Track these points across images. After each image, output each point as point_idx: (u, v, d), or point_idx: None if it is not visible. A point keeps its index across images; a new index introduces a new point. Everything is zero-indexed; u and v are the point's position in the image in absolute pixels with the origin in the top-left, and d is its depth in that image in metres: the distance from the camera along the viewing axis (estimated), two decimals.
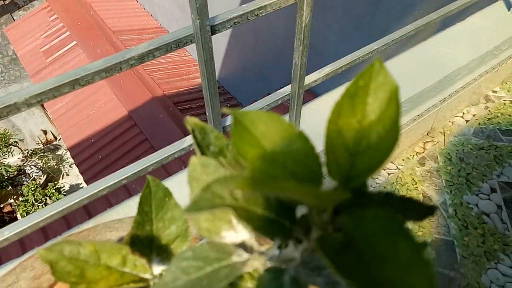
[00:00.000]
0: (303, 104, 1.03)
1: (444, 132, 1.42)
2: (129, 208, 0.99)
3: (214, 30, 0.65)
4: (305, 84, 0.93)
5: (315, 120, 1.15)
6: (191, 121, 0.23)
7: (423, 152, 1.37)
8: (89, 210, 3.71)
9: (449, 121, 1.45)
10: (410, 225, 1.17)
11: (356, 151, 0.14)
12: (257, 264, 0.18)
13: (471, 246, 1.14)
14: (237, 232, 0.20)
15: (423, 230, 1.18)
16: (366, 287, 0.12)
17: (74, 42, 5.21)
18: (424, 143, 1.40)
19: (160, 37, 0.64)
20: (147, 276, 0.29)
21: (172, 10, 5.19)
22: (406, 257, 0.12)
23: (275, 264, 0.17)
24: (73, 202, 0.76)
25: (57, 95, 0.58)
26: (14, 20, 5.86)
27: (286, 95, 0.93)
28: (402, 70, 1.25)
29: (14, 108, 0.55)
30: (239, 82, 4.62)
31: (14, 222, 0.74)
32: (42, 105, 7.22)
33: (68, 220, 3.70)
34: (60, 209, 0.76)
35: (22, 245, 3.51)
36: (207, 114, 0.82)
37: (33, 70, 5.23)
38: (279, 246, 0.17)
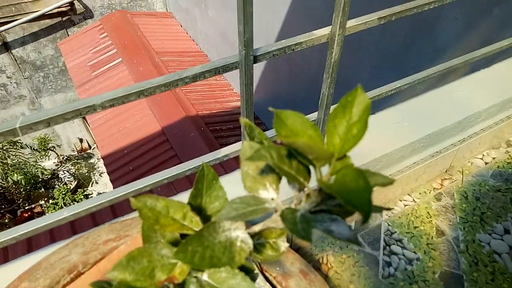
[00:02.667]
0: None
1: (462, 171, 1.47)
2: None
3: (256, 59, 0.78)
4: (330, 112, 1.04)
5: None
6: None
7: (440, 188, 1.43)
8: (115, 209, 3.97)
9: (469, 161, 1.51)
10: (420, 255, 1.23)
11: (345, 138, 0.25)
12: (279, 207, 0.28)
13: (479, 282, 1.17)
14: (268, 192, 0.31)
15: (434, 261, 1.22)
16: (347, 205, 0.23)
17: (120, 59, 5.58)
18: (442, 179, 1.46)
19: (210, 62, 0.78)
20: (198, 229, 0.40)
21: (213, 37, 5.49)
22: (360, 191, 0.22)
23: (291, 207, 0.28)
24: (117, 195, 0.89)
25: (125, 101, 0.71)
26: (68, 35, 6.35)
27: (312, 120, 1.04)
28: (424, 107, 1.34)
29: (91, 109, 0.69)
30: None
31: (72, 205, 0.87)
32: (84, 117, 7.64)
33: (114, 209, 3.97)
34: (108, 199, 0.89)
35: (73, 227, 3.84)
36: (242, 130, 0.94)
37: (79, 82, 5.61)
38: (297, 193, 0.27)
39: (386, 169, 1.24)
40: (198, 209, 0.43)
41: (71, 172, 7.55)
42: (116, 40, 5.82)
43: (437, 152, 1.33)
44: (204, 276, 0.44)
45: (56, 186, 7.23)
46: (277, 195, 0.31)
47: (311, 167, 0.28)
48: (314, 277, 0.84)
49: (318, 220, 0.29)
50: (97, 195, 6.90)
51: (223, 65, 0.77)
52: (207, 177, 0.44)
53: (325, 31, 0.85)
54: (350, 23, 0.86)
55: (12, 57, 6.15)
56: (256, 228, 0.35)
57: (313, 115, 1.04)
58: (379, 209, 0.30)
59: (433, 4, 0.96)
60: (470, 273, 1.20)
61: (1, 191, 6.51)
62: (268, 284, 0.81)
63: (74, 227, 3.93)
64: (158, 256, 0.40)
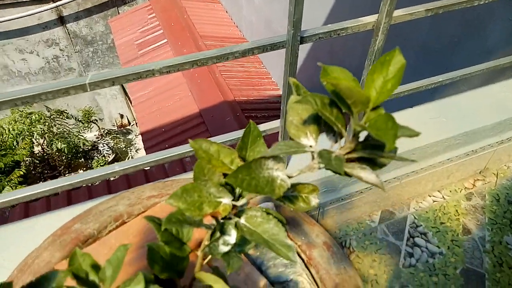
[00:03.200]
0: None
1: (497, 174, 1.46)
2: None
3: (303, 40, 0.83)
4: None
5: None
6: (291, 79, 0.40)
7: (472, 188, 1.43)
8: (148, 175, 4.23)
9: (505, 165, 1.49)
10: (444, 250, 1.24)
11: (380, 91, 0.30)
12: (316, 152, 0.34)
13: (502, 282, 1.18)
14: (308, 140, 0.37)
15: (456, 257, 1.24)
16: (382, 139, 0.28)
17: (165, 40, 5.75)
18: (474, 180, 1.45)
19: (259, 39, 0.83)
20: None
21: (257, 24, 5.53)
22: (388, 129, 0.27)
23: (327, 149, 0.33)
24: (154, 159, 0.97)
25: (180, 69, 0.79)
26: (118, 13, 6.60)
27: None
28: (464, 105, 1.34)
29: (150, 73, 0.77)
30: None
31: (122, 162, 0.96)
32: (126, 92, 7.95)
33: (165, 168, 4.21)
34: (148, 161, 0.98)
35: (128, 181, 4.14)
36: (281, 108, 1.00)
37: (126, 59, 5.84)
38: (333, 137, 0.33)
39: (419, 162, 1.26)
40: (242, 160, 0.49)
41: (110, 146, 7.91)
42: (163, 21, 5.99)
43: (472, 151, 1.33)
44: (242, 220, 0.50)
45: (95, 157, 7.61)
46: (316, 143, 0.37)
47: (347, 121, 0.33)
48: (336, 250, 0.89)
49: (350, 166, 0.35)
50: None
51: (271, 43, 0.83)
52: (253, 133, 0.50)
53: (371, 18, 0.88)
54: (397, 12, 0.88)
55: (66, 31, 6.48)
56: (294, 173, 0.40)
57: None
58: (401, 159, 0.34)
59: (483, 0, 0.96)
60: (493, 273, 1.20)
61: (46, 157, 6.93)
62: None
63: (109, 187, 4.17)
64: (206, 193, 0.46)
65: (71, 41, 6.66)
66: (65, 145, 6.53)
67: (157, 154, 0.95)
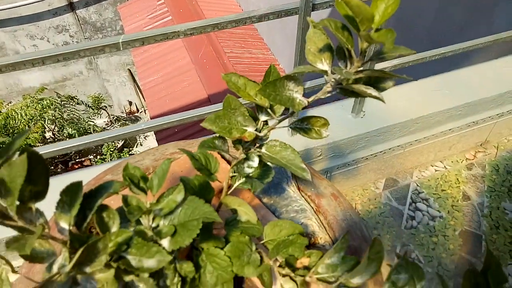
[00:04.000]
0: None
1: (498, 147, 1.53)
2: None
3: (314, 7, 0.90)
4: (374, 68, 1.14)
5: (378, 105, 1.33)
6: (308, 19, 0.47)
7: (473, 159, 1.50)
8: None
9: (505, 139, 1.56)
10: (444, 214, 1.32)
11: (383, 14, 0.37)
12: (330, 76, 0.42)
13: (498, 243, 1.26)
14: (323, 65, 0.44)
15: (456, 221, 1.31)
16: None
17: None
18: (475, 152, 1.52)
19: (274, 5, 0.91)
20: (265, 104, 0.54)
21: None
22: (388, 37, 0.35)
23: (338, 79, 0.41)
24: (177, 119, 1.05)
25: (203, 32, 0.86)
26: (127, 0, 6.66)
27: None
28: (466, 78, 1.40)
29: (176, 35, 0.85)
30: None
31: (149, 121, 1.05)
32: (134, 80, 8.05)
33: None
34: (171, 120, 1.06)
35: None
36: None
37: None
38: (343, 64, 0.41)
39: (421, 131, 1.33)
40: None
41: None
42: (172, 8, 6.05)
43: (473, 122, 1.39)
44: (263, 149, 0.58)
45: (105, 143, 7.73)
46: (329, 68, 0.45)
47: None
48: (343, 200, 0.97)
49: (356, 86, 0.43)
50: None
51: (285, 10, 0.90)
52: (273, 74, 0.58)
53: None
54: None
55: (76, 17, 6.57)
56: (310, 98, 0.48)
57: None
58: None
59: None
60: (490, 235, 1.28)
61: (56, 142, 7.08)
62: (303, 199, 0.96)
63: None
64: (234, 120, 0.55)
65: (81, 27, 6.75)
66: (75, 130, 6.66)
67: (181, 114, 1.03)
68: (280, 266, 0.64)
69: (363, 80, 0.45)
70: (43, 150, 0.94)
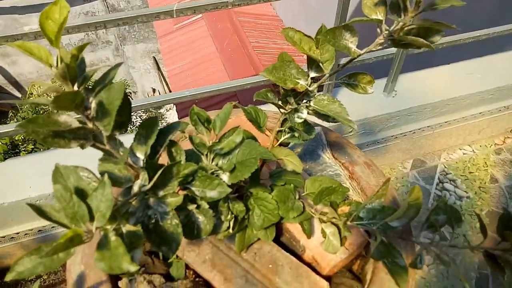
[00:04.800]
0: (401, 73, 1.27)
1: None
2: None
3: None
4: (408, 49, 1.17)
5: (410, 85, 1.36)
6: None
7: (502, 145, 1.51)
8: None
9: None
10: (471, 194, 1.34)
11: None
12: (383, 26, 0.47)
13: None
14: (377, 16, 0.49)
15: (483, 201, 1.34)
16: None
17: (200, 15, 5.89)
18: (505, 137, 1.53)
19: None
20: (318, 58, 0.59)
21: (291, 2, 5.57)
22: None
23: (390, 31, 0.46)
24: (218, 88, 1.11)
25: (249, 3, 0.91)
26: None
27: (391, 53, 1.18)
28: (500, 64, 1.41)
29: (224, 5, 0.91)
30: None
31: (192, 89, 1.11)
32: (159, 68, 8.19)
33: None
34: (213, 89, 1.12)
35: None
36: None
37: (162, 33, 6.03)
38: None
39: (452, 113, 1.36)
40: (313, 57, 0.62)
41: (142, 118, 8.21)
42: None
43: (504, 107, 1.40)
44: (312, 103, 0.64)
45: (129, 128, 7.94)
46: (383, 19, 0.49)
47: None
48: (375, 168, 1.02)
49: (407, 34, 0.47)
50: None
51: None
52: (323, 33, 0.63)
53: None
54: None
55: (105, 4, 6.72)
56: (363, 50, 0.53)
57: (392, 49, 1.18)
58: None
59: None
60: None
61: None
62: (338, 165, 1.00)
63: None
64: (289, 72, 0.60)
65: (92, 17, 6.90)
66: None
67: (221, 85, 1.09)
68: (321, 214, 0.69)
69: (412, 33, 0.50)
70: None
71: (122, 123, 0.50)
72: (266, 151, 0.58)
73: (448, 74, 1.37)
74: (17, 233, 1.10)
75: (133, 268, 0.41)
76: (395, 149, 1.38)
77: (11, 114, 6.33)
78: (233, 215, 0.63)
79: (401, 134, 1.33)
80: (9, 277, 0.40)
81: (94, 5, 6.68)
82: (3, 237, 1.10)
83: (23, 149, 5.14)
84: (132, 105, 1.05)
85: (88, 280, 0.73)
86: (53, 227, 1.14)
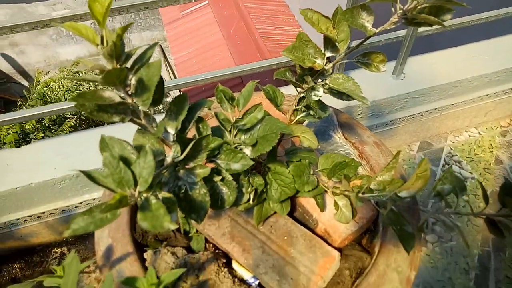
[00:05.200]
0: (410, 56, 1.30)
1: None
2: None
3: None
4: (418, 31, 1.20)
5: (418, 67, 1.38)
6: None
7: (507, 127, 1.54)
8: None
9: None
10: (476, 175, 1.38)
11: None
12: (399, 8, 0.51)
13: None
14: None
15: (487, 182, 1.38)
16: None
17: (206, 2, 5.88)
18: (511, 119, 1.56)
19: None
20: (335, 37, 0.63)
21: None
22: None
23: (404, 10, 0.50)
24: (233, 72, 1.15)
25: None
26: None
27: (400, 36, 1.21)
28: (507, 46, 1.43)
29: None
30: None
31: (208, 72, 1.15)
32: (165, 56, 8.20)
33: None
34: (228, 72, 1.16)
35: None
36: None
37: (168, 20, 6.04)
38: None
39: (459, 95, 1.39)
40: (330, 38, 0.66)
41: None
42: None
43: (511, 89, 1.43)
44: (328, 81, 0.68)
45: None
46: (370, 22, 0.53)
47: None
48: (384, 148, 1.06)
49: (420, 13, 0.51)
50: None
51: None
52: (342, 12, 0.66)
53: None
54: None
55: None
56: (378, 29, 0.57)
57: (402, 32, 1.21)
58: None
59: None
60: None
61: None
62: (348, 145, 1.05)
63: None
64: (307, 52, 0.64)
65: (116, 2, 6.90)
66: None
67: (237, 67, 1.13)
68: (334, 187, 0.74)
69: (425, 12, 0.53)
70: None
71: (157, 100, 0.55)
72: (286, 126, 0.62)
73: (456, 57, 1.40)
74: (43, 213, 1.17)
75: (172, 226, 0.46)
76: (402, 132, 1.42)
77: (19, 103, 6.42)
78: (253, 188, 0.68)
79: (408, 116, 1.36)
80: (66, 234, 0.45)
81: None
82: (30, 216, 1.16)
83: (34, 137, 5.23)
84: None
85: (115, 252, 0.79)
86: (76, 207, 1.20)
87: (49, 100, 6.74)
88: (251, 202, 0.69)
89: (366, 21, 0.54)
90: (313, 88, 0.67)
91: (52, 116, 6.10)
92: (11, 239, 1.23)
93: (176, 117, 0.57)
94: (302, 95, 0.70)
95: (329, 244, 0.75)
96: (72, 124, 6.01)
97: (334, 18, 0.66)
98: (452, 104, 1.39)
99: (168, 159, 0.55)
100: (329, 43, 0.64)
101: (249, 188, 0.69)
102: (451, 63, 1.36)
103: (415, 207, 0.76)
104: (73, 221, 0.46)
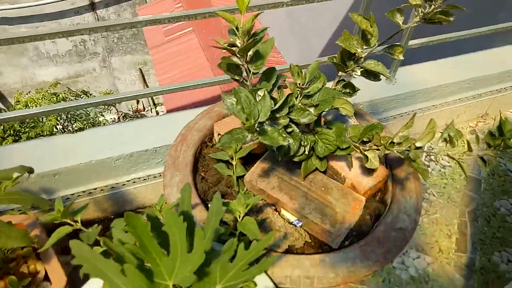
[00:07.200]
0: (400, 66, 1.61)
1: (495, 118, 1.90)
2: None
3: None
4: (408, 44, 1.51)
5: (407, 74, 1.66)
6: None
7: (475, 127, 1.87)
8: None
9: (502, 113, 1.94)
10: (452, 164, 1.68)
11: None
12: (420, 11, 0.78)
13: (493, 184, 1.62)
14: (417, 2, 0.80)
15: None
16: None
17: (191, 28, 6.20)
18: (477, 122, 1.90)
19: None
20: (372, 32, 0.89)
21: (279, 16, 5.97)
22: None
23: (425, 12, 0.78)
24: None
25: None
26: (146, 2, 7.04)
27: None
28: (476, 60, 1.77)
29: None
30: None
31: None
32: (144, 79, 8.36)
33: None
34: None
35: None
36: None
37: (153, 44, 6.28)
38: None
39: (438, 99, 1.70)
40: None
41: (127, 118, 8.33)
42: (188, 8, 6.42)
43: (478, 95, 1.77)
44: (363, 65, 0.94)
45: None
46: (421, 3, 0.81)
47: None
48: (388, 130, 1.33)
49: (435, 14, 0.79)
50: None
51: None
52: (388, 12, 0.93)
53: None
54: None
55: (96, 16, 6.91)
56: (407, 25, 0.84)
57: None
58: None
59: None
60: (487, 179, 1.65)
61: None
62: None
63: None
64: (352, 43, 0.90)
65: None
66: (86, 122, 6.93)
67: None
68: (362, 146, 0.98)
69: (439, 13, 0.81)
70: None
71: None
72: (338, 92, 0.87)
73: (436, 67, 1.72)
74: (95, 189, 1.33)
75: (285, 142, 0.69)
76: (393, 129, 1.71)
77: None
78: (308, 143, 0.92)
79: (398, 115, 1.66)
80: (217, 145, 0.67)
81: (84, 17, 6.86)
82: (84, 191, 1.32)
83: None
84: (128, 95, 1.32)
85: None
86: (123, 184, 1.37)
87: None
88: (306, 153, 0.92)
89: (400, 19, 0.82)
90: (353, 70, 0.93)
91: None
92: None
93: (268, 81, 0.81)
94: (341, 78, 0.95)
95: None
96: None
97: (372, 18, 0.93)
98: (433, 106, 1.70)
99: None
100: (365, 37, 0.91)
101: (305, 142, 0.92)
102: (432, 72, 1.68)
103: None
104: (221, 139, 0.68)
